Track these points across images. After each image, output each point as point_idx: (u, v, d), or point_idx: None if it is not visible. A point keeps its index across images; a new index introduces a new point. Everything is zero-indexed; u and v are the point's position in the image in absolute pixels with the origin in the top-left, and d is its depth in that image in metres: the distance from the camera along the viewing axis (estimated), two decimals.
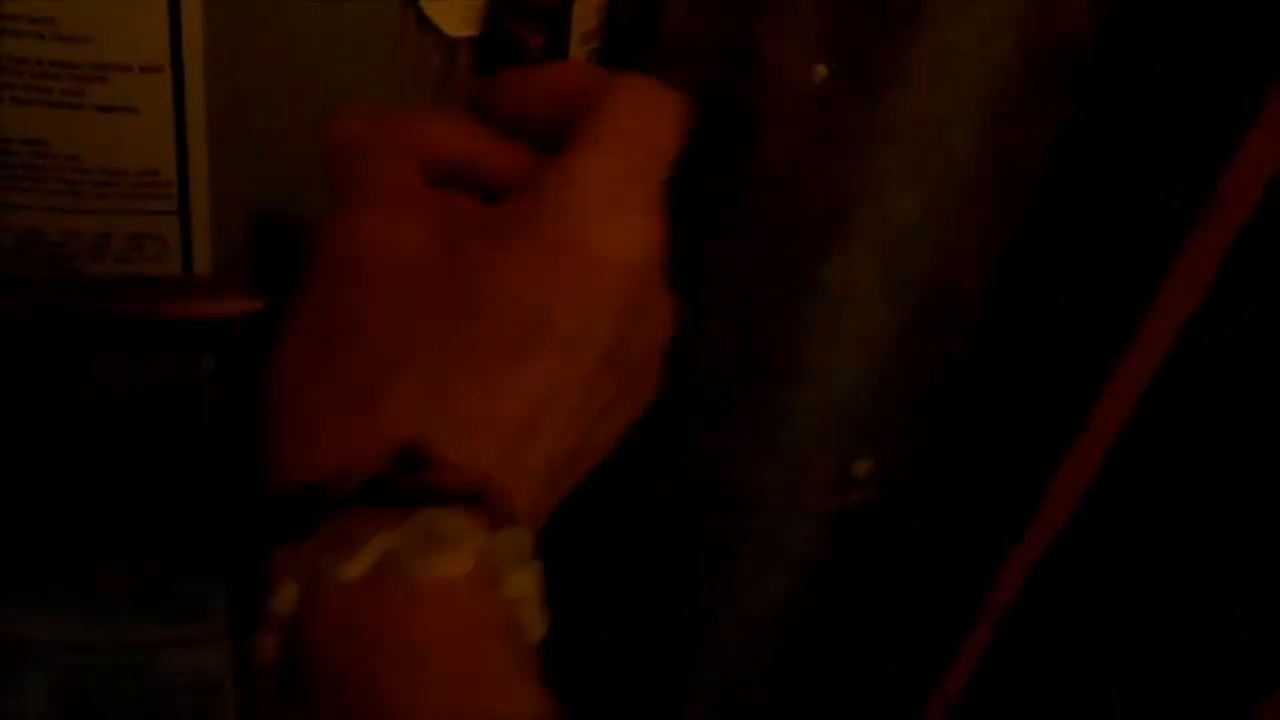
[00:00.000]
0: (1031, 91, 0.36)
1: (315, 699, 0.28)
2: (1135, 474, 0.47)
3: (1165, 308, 0.41)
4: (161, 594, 0.44)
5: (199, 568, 0.44)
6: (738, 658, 0.53)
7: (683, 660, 0.53)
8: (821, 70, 0.34)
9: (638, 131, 0.32)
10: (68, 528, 0.43)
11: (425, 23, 0.36)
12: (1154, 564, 0.48)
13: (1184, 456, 0.46)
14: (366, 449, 0.29)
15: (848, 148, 0.36)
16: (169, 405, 0.41)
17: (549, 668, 0.29)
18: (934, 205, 0.38)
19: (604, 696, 0.47)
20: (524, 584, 0.29)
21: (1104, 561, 0.50)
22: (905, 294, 0.41)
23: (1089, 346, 0.44)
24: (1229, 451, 0.45)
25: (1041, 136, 0.38)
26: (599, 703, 0.46)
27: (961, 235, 0.40)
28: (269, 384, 0.31)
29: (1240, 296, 0.40)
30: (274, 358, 0.31)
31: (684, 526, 0.50)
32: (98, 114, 0.35)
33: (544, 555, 0.30)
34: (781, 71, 0.35)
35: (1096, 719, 0.52)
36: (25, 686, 0.45)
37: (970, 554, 0.52)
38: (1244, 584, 0.46)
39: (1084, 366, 0.45)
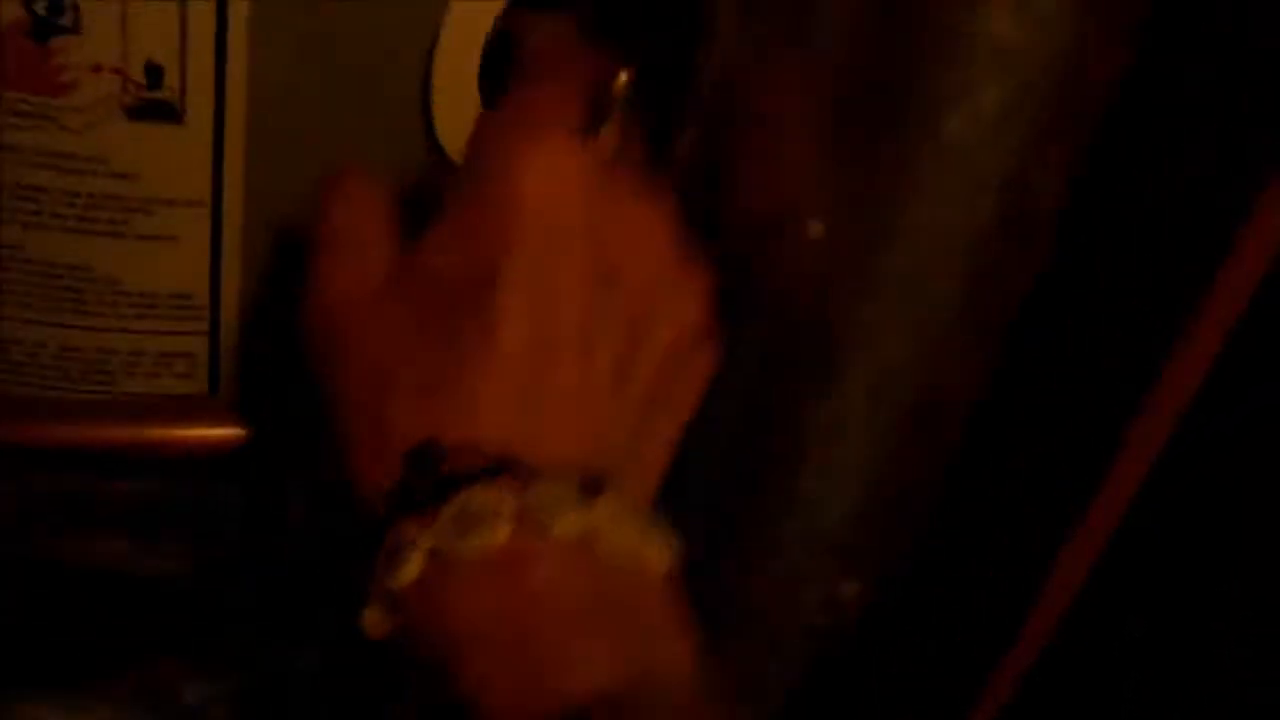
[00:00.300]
0: (1009, 251, 0.38)
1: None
2: (1123, 588, 0.48)
3: (1147, 427, 0.42)
4: (165, 698, 0.45)
5: (204, 672, 0.45)
6: None
7: None
8: (818, 228, 0.37)
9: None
10: (74, 631, 0.44)
11: (441, 151, 0.38)
12: (1146, 679, 0.49)
13: (1176, 560, 0.47)
14: (382, 468, 0.30)
15: (839, 296, 0.39)
16: (177, 516, 0.43)
17: None
18: (919, 348, 0.41)
19: None
20: (574, 524, 0.29)
21: (1093, 674, 0.51)
22: (892, 428, 0.43)
23: (1075, 460, 0.45)
24: (1225, 550, 0.46)
25: (1019, 287, 0.41)
26: None
27: (946, 374, 0.42)
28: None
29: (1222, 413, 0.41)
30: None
31: None
32: (139, 242, 0.36)
33: None
34: (781, 228, 0.37)
35: None
36: None
37: (958, 671, 0.53)
38: (1246, 669, 0.46)
39: (1069, 485, 0.46)
